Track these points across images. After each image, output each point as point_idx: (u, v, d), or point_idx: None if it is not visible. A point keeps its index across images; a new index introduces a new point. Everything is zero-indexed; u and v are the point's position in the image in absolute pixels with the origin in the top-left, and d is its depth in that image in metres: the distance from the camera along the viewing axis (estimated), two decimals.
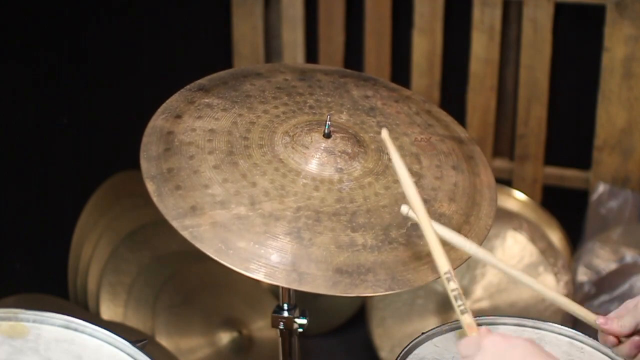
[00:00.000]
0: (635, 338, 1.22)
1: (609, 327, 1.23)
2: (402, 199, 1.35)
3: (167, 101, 1.45)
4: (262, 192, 1.30)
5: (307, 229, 1.27)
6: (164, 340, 2.26)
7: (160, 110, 1.42)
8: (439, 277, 1.23)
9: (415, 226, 1.32)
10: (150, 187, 1.29)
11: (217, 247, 1.23)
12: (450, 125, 1.55)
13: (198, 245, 1.23)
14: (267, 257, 1.24)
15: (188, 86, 1.49)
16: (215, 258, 1.23)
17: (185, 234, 1.24)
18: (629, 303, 1.22)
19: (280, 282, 1.23)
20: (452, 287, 1.11)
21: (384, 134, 1.27)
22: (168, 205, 1.27)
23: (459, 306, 1.09)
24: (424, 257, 1.30)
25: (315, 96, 1.51)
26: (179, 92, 1.47)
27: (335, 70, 1.63)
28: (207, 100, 1.45)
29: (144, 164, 1.32)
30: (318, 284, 1.23)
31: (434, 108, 1.59)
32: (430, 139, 1.48)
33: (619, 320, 1.23)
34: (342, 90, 1.55)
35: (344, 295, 1.24)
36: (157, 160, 1.33)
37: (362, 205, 1.33)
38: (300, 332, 1.54)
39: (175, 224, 1.25)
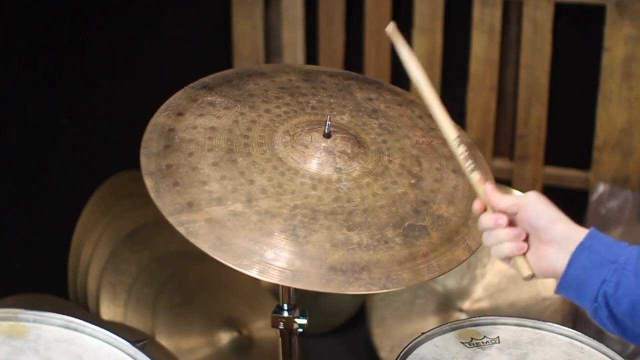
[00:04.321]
0: (502, 215, 1.21)
1: (491, 193, 1.23)
2: (400, 199, 1.36)
3: (170, 99, 1.45)
4: (259, 189, 1.31)
5: (302, 226, 1.27)
6: (164, 340, 2.26)
7: (162, 107, 1.43)
8: (435, 277, 1.26)
9: (413, 226, 1.33)
10: (149, 183, 1.30)
11: (211, 242, 1.24)
12: None
13: (193, 240, 1.24)
14: (261, 253, 1.24)
15: (192, 84, 1.49)
16: (210, 254, 1.23)
17: (180, 229, 1.25)
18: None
19: (274, 278, 1.23)
20: (461, 150, 1.25)
21: (390, 27, 1.31)
22: (165, 201, 1.27)
23: (467, 166, 1.25)
24: (419, 257, 1.30)
25: (318, 97, 1.52)
26: (182, 89, 1.48)
27: (340, 72, 1.63)
28: (209, 99, 1.45)
29: (143, 160, 1.32)
30: (311, 281, 1.24)
31: None
32: (431, 142, 1.48)
33: (501, 194, 1.24)
34: (345, 92, 1.55)
35: (337, 292, 1.24)
36: (156, 156, 1.33)
37: (359, 205, 1.33)
38: (300, 332, 1.54)
39: (171, 219, 1.26)
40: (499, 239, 1.21)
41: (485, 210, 1.24)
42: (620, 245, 1.16)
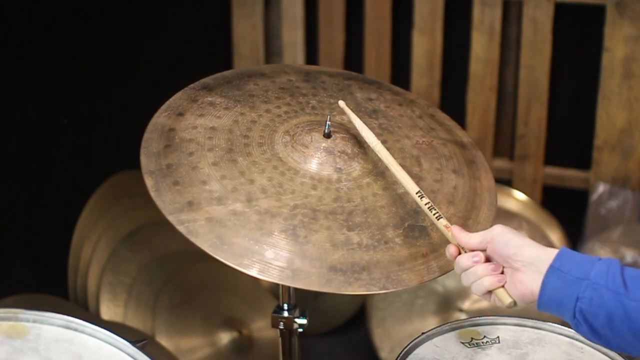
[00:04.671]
0: (479, 253, 1.23)
1: (459, 235, 1.25)
2: (401, 199, 1.36)
3: (171, 99, 1.45)
4: (259, 189, 1.31)
5: (302, 226, 1.28)
6: (164, 340, 2.26)
7: (163, 107, 1.43)
8: (435, 277, 1.26)
9: (413, 227, 1.33)
10: (149, 182, 1.30)
11: (211, 242, 1.24)
12: (453, 129, 1.56)
13: (193, 239, 1.24)
14: (261, 253, 1.24)
15: (192, 84, 1.49)
16: (210, 253, 1.23)
17: (181, 228, 1.25)
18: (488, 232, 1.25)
19: (274, 278, 1.23)
20: (425, 201, 1.30)
21: (342, 104, 1.44)
22: (165, 200, 1.27)
23: (434, 214, 1.29)
24: (419, 258, 1.30)
25: (319, 97, 1.52)
26: (182, 90, 1.48)
27: (340, 72, 1.64)
28: (210, 99, 1.45)
29: (143, 160, 1.33)
30: (311, 281, 1.24)
31: (437, 112, 1.59)
32: (431, 142, 1.48)
33: (469, 233, 1.26)
34: (345, 92, 1.55)
35: (337, 292, 1.24)
36: (156, 156, 1.33)
37: (360, 205, 1.33)
38: (300, 332, 1.54)
39: (171, 218, 1.26)
40: (477, 275, 1.23)
41: (459, 253, 1.26)
42: (590, 261, 1.17)
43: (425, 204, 1.29)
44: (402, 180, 1.33)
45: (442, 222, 1.28)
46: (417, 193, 1.30)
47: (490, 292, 1.23)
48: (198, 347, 2.33)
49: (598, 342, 1.18)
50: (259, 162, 1.35)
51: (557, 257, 1.18)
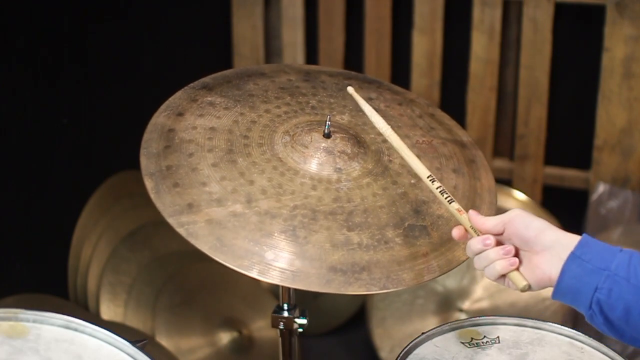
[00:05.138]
0: (489, 236, 1.22)
1: (475, 218, 1.24)
2: (401, 199, 1.36)
3: (170, 98, 1.45)
4: (259, 190, 1.31)
5: (302, 227, 1.27)
6: (164, 340, 2.26)
7: (162, 107, 1.43)
8: (435, 277, 1.26)
9: (413, 226, 1.33)
10: (149, 184, 1.30)
11: (211, 244, 1.24)
12: (453, 129, 1.56)
13: (193, 241, 1.24)
14: (261, 254, 1.24)
15: (192, 84, 1.49)
16: (210, 255, 1.23)
17: (180, 230, 1.25)
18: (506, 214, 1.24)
19: (274, 279, 1.23)
20: (437, 185, 1.29)
21: (351, 90, 1.42)
22: (165, 203, 1.27)
23: (446, 198, 1.27)
24: (419, 257, 1.30)
25: (318, 97, 1.52)
26: (182, 89, 1.47)
27: (340, 72, 1.63)
28: (209, 99, 1.45)
29: (143, 161, 1.32)
30: (311, 282, 1.24)
31: (437, 112, 1.59)
32: (432, 142, 1.48)
33: (484, 217, 1.25)
34: (345, 91, 1.55)
35: (338, 292, 1.24)
36: (156, 157, 1.33)
37: (359, 205, 1.33)
38: (300, 332, 1.54)
39: (171, 220, 1.26)
40: (490, 259, 1.21)
41: (465, 236, 1.25)
42: (612, 251, 1.16)
43: (437, 188, 1.28)
44: (414, 165, 1.32)
45: (455, 206, 1.26)
46: (428, 177, 1.30)
47: (503, 276, 1.21)
48: (198, 347, 2.33)
49: (610, 334, 1.17)
50: (259, 162, 1.35)
51: (579, 245, 1.16)
